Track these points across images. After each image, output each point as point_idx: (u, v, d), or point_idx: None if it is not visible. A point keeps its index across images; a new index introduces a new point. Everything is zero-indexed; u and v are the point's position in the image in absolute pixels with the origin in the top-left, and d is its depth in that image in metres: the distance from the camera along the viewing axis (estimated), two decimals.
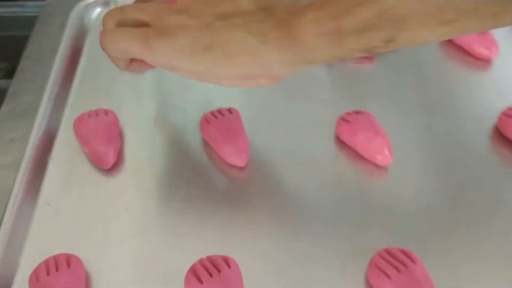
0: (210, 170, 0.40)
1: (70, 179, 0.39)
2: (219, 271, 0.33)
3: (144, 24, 0.34)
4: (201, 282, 0.32)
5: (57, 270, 0.34)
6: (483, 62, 0.47)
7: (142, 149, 0.41)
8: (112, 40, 0.34)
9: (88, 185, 0.39)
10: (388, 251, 0.34)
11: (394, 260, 0.33)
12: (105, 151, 0.40)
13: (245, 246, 0.35)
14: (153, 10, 0.34)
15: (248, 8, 0.32)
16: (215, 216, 0.37)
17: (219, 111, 0.41)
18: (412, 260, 0.33)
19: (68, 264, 0.35)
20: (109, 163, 0.40)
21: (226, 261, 0.33)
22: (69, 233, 0.37)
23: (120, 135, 0.42)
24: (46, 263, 0.35)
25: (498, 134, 0.41)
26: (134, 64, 0.36)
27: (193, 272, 0.33)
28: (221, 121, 0.41)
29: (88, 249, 0.36)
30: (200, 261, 0.34)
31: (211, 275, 0.32)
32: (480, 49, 0.46)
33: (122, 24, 0.34)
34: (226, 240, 0.35)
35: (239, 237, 0.36)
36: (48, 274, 0.34)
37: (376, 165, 0.39)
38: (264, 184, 0.39)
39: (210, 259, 0.34)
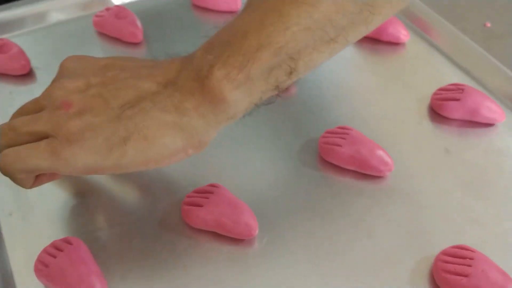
0: None
1: None
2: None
3: (41, 137, 0.32)
4: None
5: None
6: (397, 45, 0.55)
7: None
8: (15, 162, 0.31)
9: None
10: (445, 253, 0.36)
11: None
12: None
13: None
14: (49, 119, 0.32)
15: (151, 89, 0.32)
16: None
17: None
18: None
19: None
20: None
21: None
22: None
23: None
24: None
25: (434, 113, 0.47)
26: (42, 178, 0.35)
27: None
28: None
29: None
30: None
31: None
32: (394, 35, 0.55)
33: (15, 142, 0.32)
34: None
35: None
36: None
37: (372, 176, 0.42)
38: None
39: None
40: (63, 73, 0.35)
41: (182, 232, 0.39)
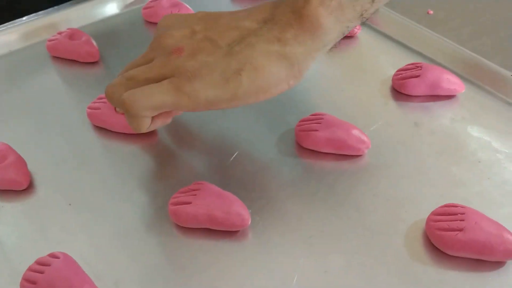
0: None
1: None
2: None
3: (159, 81, 0.34)
4: None
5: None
6: (350, 39, 0.57)
7: None
8: (141, 99, 0.34)
9: None
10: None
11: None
12: None
13: None
14: (165, 64, 0.35)
15: (252, 27, 0.35)
16: None
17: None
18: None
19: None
20: None
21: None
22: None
23: None
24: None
25: (397, 93, 0.49)
26: (157, 120, 0.37)
27: None
28: None
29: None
30: None
31: None
32: None
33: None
34: None
35: None
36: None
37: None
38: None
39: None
40: (164, 28, 0.38)
41: (172, 233, 0.38)
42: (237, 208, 0.37)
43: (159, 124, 0.38)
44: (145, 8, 0.60)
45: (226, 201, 0.38)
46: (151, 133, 0.46)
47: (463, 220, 0.35)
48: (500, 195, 0.40)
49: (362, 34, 0.57)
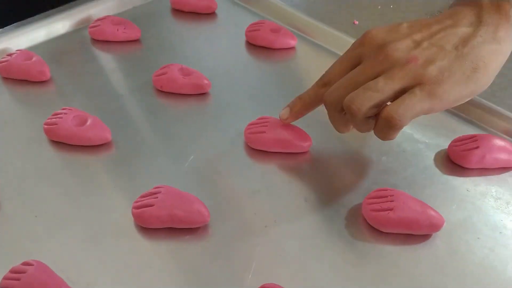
0: None
1: None
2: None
3: (401, 93, 0.39)
4: None
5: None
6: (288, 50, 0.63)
7: None
8: (406, 112, 0.38)
9: None
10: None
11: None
12: None
13: None
14: (405, 75, 0.39)
15: (468, 31, 0.41)
16: None
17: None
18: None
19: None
20: None
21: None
22: None
23: None
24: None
25: None
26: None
27: None
28: None
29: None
30: None
31: None
32: (284, 42, 0.62)
33: (383, 103, 0.40)
34: None
35: None
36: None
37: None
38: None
39: None
40: (375, 43, 0.42)
41: (137, 235, 0.41)
42: (197, 206, 0.41)
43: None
44: (91, 27, 0.63)
45: (187, 201, 0.41)
46: (108, 144, 0.49)
47: (392, 201, 0.41)
48: (422, 179, 0.47)
49: (298, 45, 0.63)
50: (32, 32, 0.62)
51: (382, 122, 0.40)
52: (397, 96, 0.40)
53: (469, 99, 0.42)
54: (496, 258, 0.40)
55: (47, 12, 0.64)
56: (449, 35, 0.41)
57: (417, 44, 0.41)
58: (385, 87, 0.39)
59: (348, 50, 0.45)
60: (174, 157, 0.48)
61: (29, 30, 0.62)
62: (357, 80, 0.41)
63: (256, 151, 0.48)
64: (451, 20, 0.42)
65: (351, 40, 0.61)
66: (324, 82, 0.45)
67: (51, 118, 0.49)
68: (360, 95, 0.40)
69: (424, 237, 0.42)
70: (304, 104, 0.46)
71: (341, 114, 0.43)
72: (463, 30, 0.41)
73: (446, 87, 0.39)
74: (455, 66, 0.39)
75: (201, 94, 0.55)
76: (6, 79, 0.56)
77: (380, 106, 0.40)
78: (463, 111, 0.53)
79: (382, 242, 0.41)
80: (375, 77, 0.40)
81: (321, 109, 0.52)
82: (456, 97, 0.40)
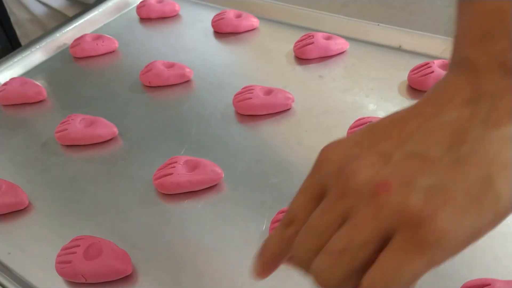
0: None
1: None
2: None
3: (377, 245, 0.24)
4: None
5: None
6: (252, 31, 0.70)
7: None
8: (391, 284, 0.24)
9: None
10: None
11: None
12: None
13: None
14: (376, 215, 0.24)
15: (463, 115, 0.25)
16: None
17: None
18: None
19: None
20: None
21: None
22: None
23: None
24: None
25: (300, 59, 0.63)
26: None
27: None
28: None
29: None
30: None
31: None
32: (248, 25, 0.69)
33: (351, 267, 0.25)
34: None
35: None
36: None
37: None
38: None
39: None
40: (331, 166, 0.27)
41: (161, 201, 0.48)
42: (211, 166, 0.48)
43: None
44: (72, 46, 0.68)
45: (201, 164, 0.48)
46: (115, 138, 0.55)
47: None
48: None
49: (261, 25, 0.70)
50: (17, 62, 0.68)
51: None
52: (377, 249, 0.25)
53: (499, 222, 0.24)
54: None
55: (25, 45, 0.70)
56: (435, 130, 0.25)
57: (386, 158, 0.25)
58: (351, 243, 0.25)
59: (308, 176, 0.29)
60: (178, 136, 0.54)
61: (11, 63, 0.68)
62: (320, 229, 0.27)
63: (245, 116, 0.55)
64: (434, 106, 0.26)
65: (309, 12, 0.70)
66: (290, 220, 0.29)
67: (60, 126, 0.55)
68: (325, 262, 0.26)
69: None
70: (272, 254, 0.29)
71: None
72: (454, 116, 0.25)
73: (445, 225, 0.23)
74: (453, 182, 0.24)
75: (185, 82, 0.61)
76: (6, 106, 0.62)
77: (359, 273, 0.25)
78: None
79: None
80: (343, 219, 0.26)
81: (290, 71, 0.59)
82: (469, 232, 0.24)
